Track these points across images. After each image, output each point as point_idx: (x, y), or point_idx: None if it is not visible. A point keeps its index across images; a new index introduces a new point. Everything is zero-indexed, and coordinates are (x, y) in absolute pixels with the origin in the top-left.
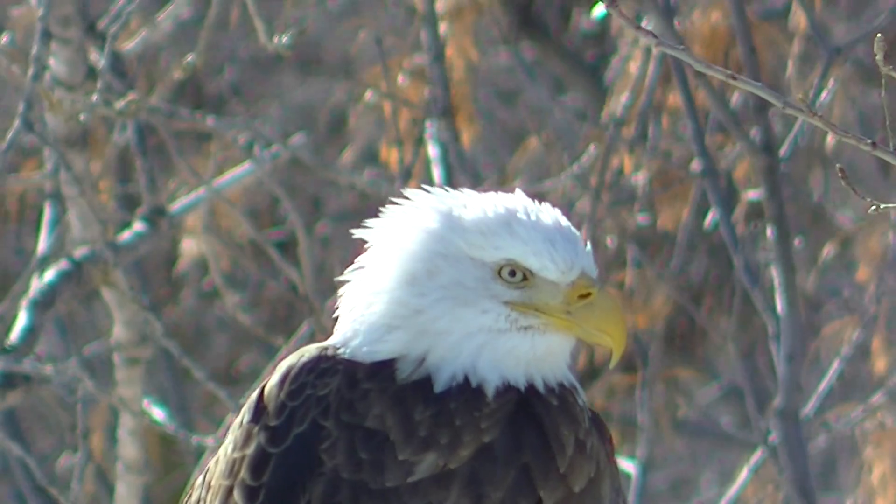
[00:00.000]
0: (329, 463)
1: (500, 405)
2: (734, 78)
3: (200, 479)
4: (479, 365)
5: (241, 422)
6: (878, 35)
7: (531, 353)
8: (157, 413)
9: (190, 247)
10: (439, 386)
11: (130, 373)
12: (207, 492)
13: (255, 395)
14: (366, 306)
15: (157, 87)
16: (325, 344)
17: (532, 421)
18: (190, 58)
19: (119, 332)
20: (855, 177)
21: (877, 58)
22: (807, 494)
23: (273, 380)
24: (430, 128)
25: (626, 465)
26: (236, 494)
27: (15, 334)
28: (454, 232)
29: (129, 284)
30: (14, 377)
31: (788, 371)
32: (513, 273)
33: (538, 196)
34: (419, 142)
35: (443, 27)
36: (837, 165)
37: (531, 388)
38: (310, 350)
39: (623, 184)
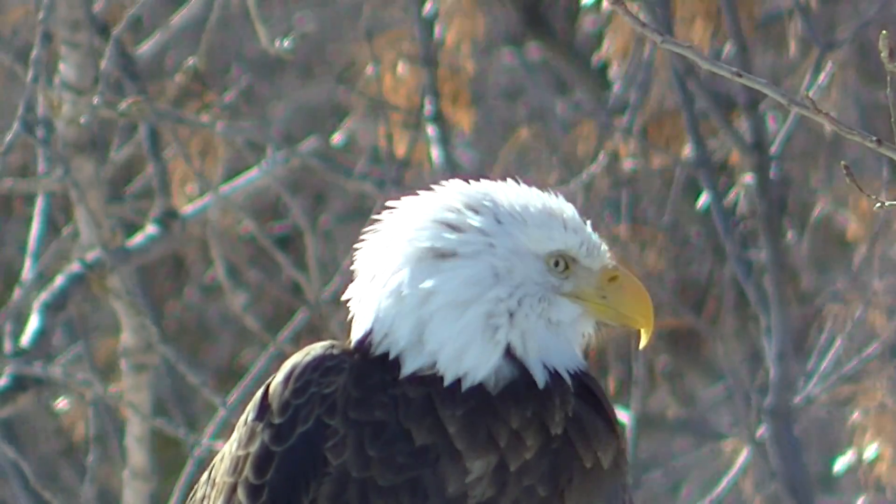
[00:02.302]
0: (335, 461)
1: (563, 400)
2: (739, 75)
3: (205, 476)
4: (553, 359)
5: (246, 419)
6: (884, 32)
7: (581, 341)
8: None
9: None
10: (537, 379)
11: (138, 379)
12: (212, 489)
13: (259, 392)
14: (419, 304)
15: (166, 90)
16: (330, 342)
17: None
18: (192, 61)
19: (127, 338)
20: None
21: (882, 55)
22: (798, 494)
23: (278, 378)
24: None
25: (621, 415)
26: (240, 492)
27: (26, 337)
28: (516, 227)
29: (126, 289)
30: (25, 380)
31: (780, 370)
32: (556, 264)
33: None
34: (417, 128)
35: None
36: (842, 163)
37: (582, 376)
38: (315, 348)
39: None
